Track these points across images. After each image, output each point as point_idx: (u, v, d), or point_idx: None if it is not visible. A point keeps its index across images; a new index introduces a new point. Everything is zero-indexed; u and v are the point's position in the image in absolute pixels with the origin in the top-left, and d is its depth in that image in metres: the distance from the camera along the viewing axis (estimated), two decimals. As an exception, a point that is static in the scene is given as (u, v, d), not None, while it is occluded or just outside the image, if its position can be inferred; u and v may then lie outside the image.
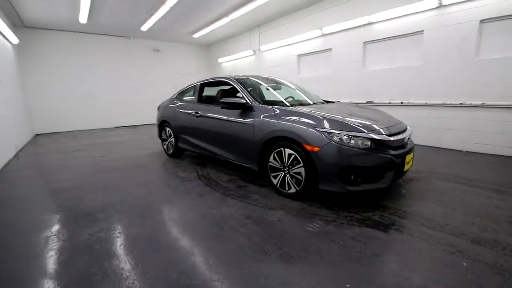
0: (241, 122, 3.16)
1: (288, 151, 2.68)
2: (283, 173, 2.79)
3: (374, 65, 5.97)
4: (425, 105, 5.14)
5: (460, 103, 4.68)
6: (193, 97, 4.22)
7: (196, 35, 9.36)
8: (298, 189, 2.67)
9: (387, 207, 2.54)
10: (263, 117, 2.95)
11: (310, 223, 2.27)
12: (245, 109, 3.17)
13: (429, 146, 5.11)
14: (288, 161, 2.70)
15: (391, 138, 2.49)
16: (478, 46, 4.42)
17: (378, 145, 2.44)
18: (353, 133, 2.42)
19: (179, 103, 4.49)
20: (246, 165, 3.24)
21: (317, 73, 7.29)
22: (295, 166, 2.65)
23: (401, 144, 2.62)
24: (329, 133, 2.43)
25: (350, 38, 6.21)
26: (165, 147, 4.92)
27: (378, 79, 5.88)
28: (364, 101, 6.10)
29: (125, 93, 9.90)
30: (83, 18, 7.02)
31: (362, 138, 2.41)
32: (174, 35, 9.55)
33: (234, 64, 10.44)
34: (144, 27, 8.15)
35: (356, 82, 6.30)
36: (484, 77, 4.37)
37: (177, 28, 8.66)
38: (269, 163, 2.90)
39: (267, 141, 2.86)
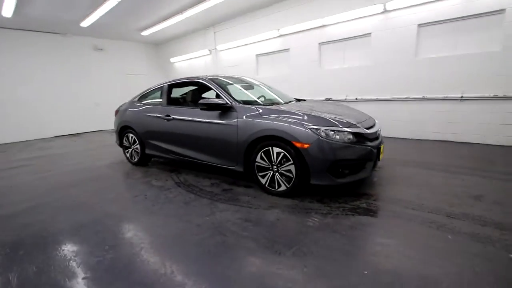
0: (222, 124, 3.06)
1: (276, 149, 2.69)
2: (272, 172, 2.80)
3: (329, 65, 6.40)
4: (376, 100, 5.73)
5: (405, 97, 5.35)
6: (161, 99, 3.92)
7: (145, 33, 8.71)
8: (288, 186, 2.71)
9: (369, 194, 2.75)
10: (246, 117, 2.91)
11: (309, 218, 2.33)
12: (225, 110, 3.08)
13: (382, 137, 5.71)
14: (277, 160, 2.72)
15: (369, 131, 2.71)
16: (417, 47, 5.10)
17: (359, 138, 2.63)
18: (337, 128, 2.56)
19: (143, 106, 4.13)
20: (229, 167, 3.15)
21: (276, 72, 7.49)
22: (284, 164, 2.68)
23: (376, 136, 2.87)
24: (316, 129, 2.53)
25: (307, 39, 6.53)
26: (128, 155, 4.48)
27: (333, 78, 6.33)
28: (323, 98, 6.50)
29: (63, 97, 8.68)
30: (7, 11, 5.90)
31: (345, 133, 2.56)
32: (120, 32, 8.73)
33: (189, 64, 10.05)
34: (85, 23, 7.26)
35: (314, 81, 6.67)
36: (424, 74, 5.07)
37: (123, 24, 7.94)
38: (256, 163, 2.87)
39: (253, 141, 2.83)
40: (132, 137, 4.26)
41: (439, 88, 4.93)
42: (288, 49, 6.97)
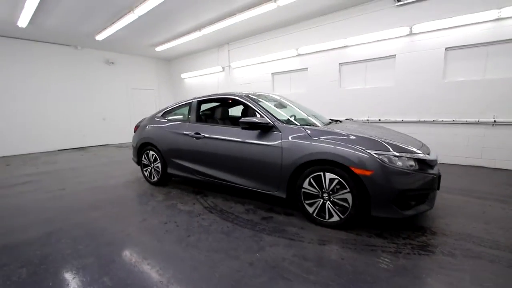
0: (264, 145, 2.81)
1: (329, 175, 2.43)
2: (322, 200, 2.52)
3: (350, 85, 6.30)
4: (402, 122, 5.57)
5: (433, 120, 5.20)
6: (189, 116, 3.68)
7: (159, 48, 8.65)
8: (342, 217, 2.42)
9: (431, 228, 2.47)
10: (292, 138, 2.67)
11: (377, 257, 2.02)
12: (267, 130, 2.84)
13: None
14: (329, 187, 2.45)
15: (431, 158, 2.48)
16: (444, 70, 5.01)
17: (421, 165, 2.39)
18: (400, 153, 2.32)
19: (168, 122, 3.88)
20: (269, 192, 2.87)
21: (293, 91, 7.38)
22: (337, 192, 2.41)
23: (436, 163, 2.63)
24: (378, 154, 2.29)
25: (326, 59, 6.47)
26: (146, 173, 4.16)
27: (354, 98, 6.20)
28: (343, 118, 6.34)
29: (71, 110, 8.41)
30: (23, 21, 5.76)
31: (408, 159, 2.33)
32: (134, 46, 8.66)
33: (200, 80, 9.95)
34: (100, 36, 7.15)
35: (333, 100, 6.54)
36: (453, 97, 4.95)
37: (139, 39, 7.86)
38: (303, 190, 2.60)
39: (301, 165, 2.57)
40: (153, 154, 3.97)
41: (470, 112, 4.79)
42: (307, 68, 6.89)
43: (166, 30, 7.13)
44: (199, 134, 3.38)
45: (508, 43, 4.38)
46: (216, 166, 3.27)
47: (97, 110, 9.00)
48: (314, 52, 6.61)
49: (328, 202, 2.49)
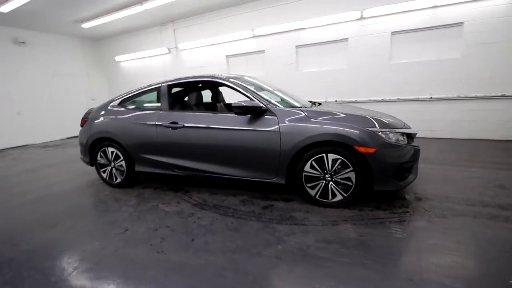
0: (260, 130, 2.61)
1: (332, 156, 2.42)
2: (324, 182, 2.51)
3: (307, 68, 6.46)
4: (355, 102, 6.02)
5: (382, 99, 5.77)
6: (159, 103, 3.17)
7: (87, 25, 7.24)
8: (346, 195, 2.47)
9: (418, 195, 2.72)
10: (289, 121, 2.55)
11: (388, 229, 2.13)
12: (260, 114, 2.65)
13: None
14: (332, 168, 2.44)
15: (414, 131, 2.70)
16: (391, 53, 5.55)
17: (408, 138, 2.59)
18: (394, 129, 2.45)
19: (131, 112, 3.28)
20: (266, 180, 2.72)
21: (250, 74, 7.17)
22: (340, 171, 2.43)
23: (415, 136, 2.88)
24: (378, 132, 2.37)
25: (283, 41, 6.45)
26: (105, 175, 3.49)
27: (311, 81, 6.41)
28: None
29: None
30: None
31: (399, 134, 2.48)
32: (52, 22, 7.04)
33: (142, 64, 8.82)
34: (5, 8, 5.53)
35: (291, 83, 6.59)
36: (397, 78, 5.54)
37: (59, 13, 6.40)
38: (304, 173, 2.54)
39: (302, 148, 2.49)
40: (113, 152, 3.34)
41: (411, 90, 5.46)
42: (264, 50, 6.76)
43: (96, 2, 5.96)
44: (177, 123, 2.95)
45: (441, 28, 5.07)
46: (200, 158, 2.93)
47: (8, 102, 7.15)
48: (271, 34, 6.50)
49: (331, 182, 2.49)
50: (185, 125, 2.91)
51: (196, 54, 7.71)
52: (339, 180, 2.46)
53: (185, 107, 3.29)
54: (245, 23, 6.68)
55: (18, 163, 5.32)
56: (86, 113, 3.64)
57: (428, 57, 5.25)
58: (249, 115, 2.67)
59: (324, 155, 2.44)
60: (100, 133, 3.35)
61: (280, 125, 2.55)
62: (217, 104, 3.97)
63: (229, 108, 3.55)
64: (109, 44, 9.27)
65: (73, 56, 8.71)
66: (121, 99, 3.43)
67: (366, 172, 2.39)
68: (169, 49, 8.04)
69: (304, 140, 2.46)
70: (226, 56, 7.31)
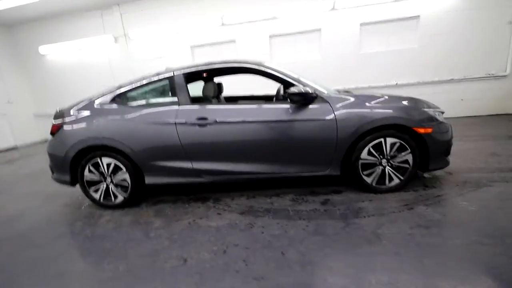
0: (313, 120, 2.36)
1: (390, 140, 2.37)
2: (381, 167, 2.46)
3: (280, 58, 6.37)
4: (331, 90, 6.24)
5: (354, 87, 6.13)
6: (176, 97, 2.55)
7: (-4, 4, 5.46)
8: (403, 178, 2.47)
9: (445, 171, 2.92)
10: (343, 107, 2.38)
11: (458, 204, 2.22)
12: (309, 102, 2.40)
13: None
14: (390, 152, 2.40)
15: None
16: (360, 43, 5.92)
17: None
18: (438, 108, 2.56)
19: (136, 110, 2.56)
20: (317, 173, 2.51)
21: (219, 66, 6.68)
22: (398, 155, 2.41)
23: None
24: (432, 111, 2.43)
25: (256, 31, 6.19)
26: (97, 195, 2.68)
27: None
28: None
29: None
30: None
31: (441, 112, 2.60)
32: None
33: (77, 57, 7.21)
34: None
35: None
36: (367, 67, 5.97)
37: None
38: (361, 161, 2.43)
39: (361, 135, 2.37)
40: (109, 163, 2.57)
41: (379, 78, 5.97)
42: (234, 40, 6.36)
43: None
44: (206, 119, 2.43)
45: (402, 21, 5.64)
46: (239, 158, 2.51)
47: None
48: (243, 23, 6.14)
49: (387, 167, 2.46)
50: (218, 120, 2.43)
51: (152, 44, 6.73)
52: (396, 163, 2.44)
53: (209, 100, 2.75)
54: (213, 9, 6.13)
55: None
56: (56, 115, 2.69)
57: (393, 47, 5.81)
58: (296, 104, 2.40)
59: (382, 140, 2.38)
60: (90, 140, 2.52)
61: (335, 112, 2.36)
62: (220, 96, 3.50)
63: (228, 100, 3.22)
64: (30, 31, 7.26)
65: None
66: (113, 95, 2.65)
67: (423, 153, 2.43)
68: (115, 37, 6.80)
69: (363, 126, 2.33)
70: (191, 46, 6.61)
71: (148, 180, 2.62)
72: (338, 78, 6.10)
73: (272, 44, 6.30)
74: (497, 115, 5.62)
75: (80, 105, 2.69)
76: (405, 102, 2.45)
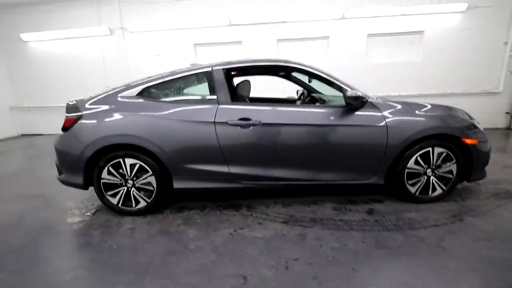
0: (366, 126, 2.26)
1: (438, 149, 2.33)
2: (425, 177, 2.40)
3: (287, 62, 6.29)
4: (335, 98, 6.27)
5: (359, 96, 6.20)
6: (215, 94, 2.32)
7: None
8: (445, 188, 2.43)
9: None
10: (392, 114, 2.30)
11: (501, 214, 2.21)
12: (359, 107, 2.29)
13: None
14: (436, 161, 2.35)
15: None
16: (366, 53, 6.02)
17: None
18: (475, 120, 2.57)
19: (170, 106, 2.28)
20: (361, 182, 2.40)
21: (222, 67, 6.46)
22: (443, 165, 2.37)
23: None
24: (474, 122, 2.42)
25: (264, 34, 6.07)
26: (115, 200, 2.35)
27: (292, 76, 6.29)
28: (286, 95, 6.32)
29: None
30: None
31: (477, 122, 2.60)
32: None
33: (65, 48, 6.62)
34: None
35: (272, 78, 6.33)
36: (372, 76, 6.06)
37: None
38: (407, 170, 2.36)
39: (411, 143, 2.30)
40: (134, 164, 2.27)
41: (384, 88, 6.08)
42: (241, 41, 6.18)
43: None
44: (249, 120, 2.23)
45: (407, 34, 5.82)
46: (282, 163, 2.33)
47: None
48: (251, 24, 6.00)
49: (432, 177, 2.40)
50: (264, 122, 2.23)
51: (152, 39, 6.35)
52: (440, 173, 2.40)
53: (245, 99, 2.55)
54: (221, 7, 5.93)
55: None
56: (69, 108, 2.34)
57: (398, 59, 5.96)
58: (345, 109, 2.30)
59: (430, 149, 2.32)
60: (114, 137, 2.20)
61: (386, 118, 2.28)
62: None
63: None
64: (11, 16, 6.53)
65: None
66: (142, 87, 2.35)
67: (466, 164, 2.41)
68: (111, 29, 6.34)
69: (415, 134, 2.26)
70: (194, 44, 6.32)
71: (177, 184, 2.35)
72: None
73: (280, 48, 6.21)
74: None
75: (99, 98, 2.36)
76: (452, 112, 2.42)
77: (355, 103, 2.20)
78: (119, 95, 2.35)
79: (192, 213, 2.43)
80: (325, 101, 2.85)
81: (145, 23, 6.15)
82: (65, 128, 2.31)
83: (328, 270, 1.62)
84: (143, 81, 2.40)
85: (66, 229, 2.25)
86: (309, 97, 3.27)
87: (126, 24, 6.25)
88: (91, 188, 2.39)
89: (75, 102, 2.38)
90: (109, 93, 2.38)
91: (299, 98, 3.56)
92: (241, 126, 2.24)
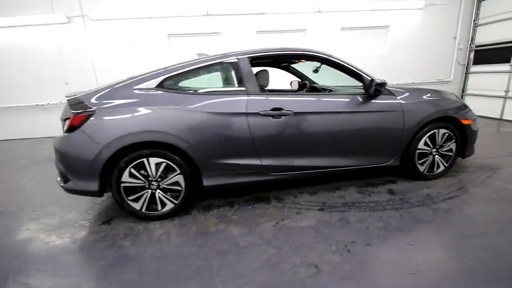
0: (387, 111, 2.43)
1: (442, 131, 2.61)
2: (432, 156, 2.68)
3: (266, 55, 6.30)
4: (314, 89, 6.51)
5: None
6: (243, 84, 2.21)
7: None
8: (446, 165, 2.75)
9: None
10: (404, 99, 2.51)
11: (495, 186, 2.58)
12: (378, 93, 2.44)
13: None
14: (441, 141, 2.64)
15: None
16: (341, 46, 6.34)
17: None
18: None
19: (198, 98, 2.11)
20: (380, 164, 2.57)
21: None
22: (445, 144, 2.67)
23: None
24: (465, 104, 2.77)
25: (243, 24, 5.96)
26: (138, 204, 2.11)
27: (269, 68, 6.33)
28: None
29: None
30: None
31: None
32: None
33: (13, 38, 5.57)
34: None
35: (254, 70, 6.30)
36: (346, 68, 6.42)
37: None
38: (418, 150, 2.60)
39: (422, 126, 2.53)
40: (159, 164, 2.07)
41: (352, 80, 6.51)
42: (219, 32, 5.97)
43: None
44: (281, 110, 2.20)
45: (376, 29, 6.28)
46: (311, 152, 2.37)
47: None
48: (230, 14, 5.82)
49: (437, 156, 2.69)
50: (296, 111, 2.22)
51: (121, 28, 5.74)
52: (443, 152, 2.70)
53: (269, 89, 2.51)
54: (197, -4, 5.63)
55: None
56: (75, 104, 2.01)
57: (367, 52, 6.42)
58: (368, 95, 2.43)
59: (436, 130, 2.59)
60: (137, 135, 1.97)
61: (402, 103, 2.47)
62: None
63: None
64: None
65: None
66: (161, 78, 2.13)
67: (463, 143, 2.75)
68: (68, 17, 5.54)
69: (425, 118, 2.50)
70: (168, 35, 5.90)
71: (207, 182, 2.21)
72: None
73: (259, 40, 6.16)
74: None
75: (107, 91, 2.08)
76: (446, 95, 2.72)
77: (382, 89, 2.34)
78: (134, 87, 2.10)
79: (223, 210, 2.32)
80: (330, 90, 2.97)
81: (111, 10, 5.53)
82: (72, 128, 1.98)
83: (387, 248, 1.72)
84: (160, 71, 2.17)
85: (86, 244, 1.95)
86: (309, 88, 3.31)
87: (88, 12, 5.52)
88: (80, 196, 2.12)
89: (77, 96, 2.06)
90: (120, 85, 2.11)
91: (300, 89, 3.61)
92: (273, 116, 2.20)
